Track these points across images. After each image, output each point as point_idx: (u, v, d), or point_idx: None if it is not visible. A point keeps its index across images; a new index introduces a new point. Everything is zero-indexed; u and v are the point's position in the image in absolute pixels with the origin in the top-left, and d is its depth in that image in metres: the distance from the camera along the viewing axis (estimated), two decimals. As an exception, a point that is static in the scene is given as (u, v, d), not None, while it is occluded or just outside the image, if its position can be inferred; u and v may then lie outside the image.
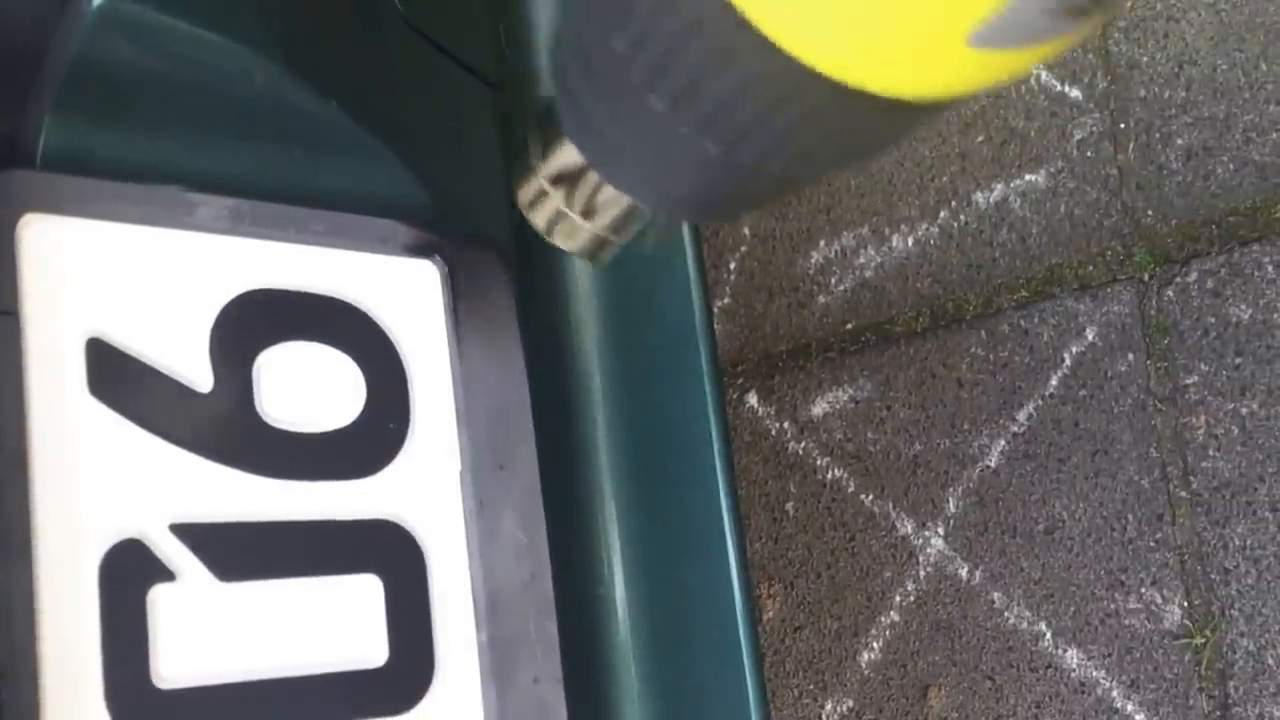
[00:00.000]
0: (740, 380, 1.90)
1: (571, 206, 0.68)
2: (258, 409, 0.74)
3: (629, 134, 0.57)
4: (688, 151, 0.54)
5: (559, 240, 0.71)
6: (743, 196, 0.61)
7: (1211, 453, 1.43)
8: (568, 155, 0.66)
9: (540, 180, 0.69)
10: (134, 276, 0.72)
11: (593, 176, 0.66)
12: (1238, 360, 1.42)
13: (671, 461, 0.94)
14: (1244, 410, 1.41)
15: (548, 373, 0.91)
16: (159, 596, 0.67)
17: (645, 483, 0.95)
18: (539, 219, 0.71)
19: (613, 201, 0.67)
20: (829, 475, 1.78)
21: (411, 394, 0.80)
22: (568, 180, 0.67)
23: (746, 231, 1.91)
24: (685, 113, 0.52)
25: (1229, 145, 1.44)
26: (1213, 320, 1.44)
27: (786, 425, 1.84)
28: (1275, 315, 1.39)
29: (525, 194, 0.70)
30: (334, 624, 0.73)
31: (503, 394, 0.83)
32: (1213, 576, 1.43)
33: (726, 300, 1.93)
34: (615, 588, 0.94)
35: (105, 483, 0.67)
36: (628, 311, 0.98)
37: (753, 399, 1.89)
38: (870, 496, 1.73)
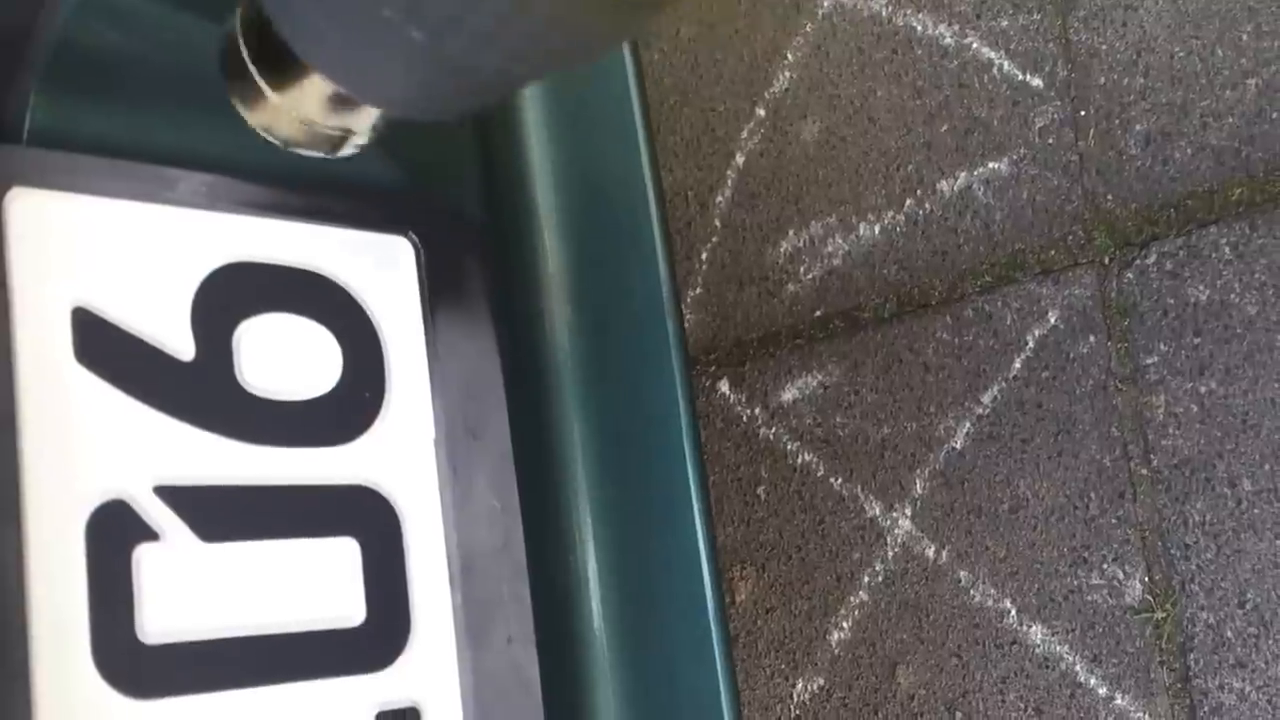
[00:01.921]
0: (712, 368, 1.93)
1: (291, 103, 0.65)
2: (238, 377, 0.76)
3: (334, 20, 0.53)
4: (394, 39, 0.50)
5: (282, 137, 0.68)
6: (459, 93, 0.57)
7: (1171, 431, 1.47)
8: (279, 46, 0.62)
9: (255, 78, 0.66)
10: (118, 249, 0.74)
11: (302, 66, 0.62)
12: (1196, 340, 1.46)
13: (640, 432, 0.97)
14: (1202, 389, 1.45)
15: (520, 346, 0.94)
16: (143, 555, 0.69)
17: (615, 453, 0.97)
18: (259, 118, 0.68)
19: (322, 91, 0.64)
20: (799, 460, 1.81)
21: (387, 364, 0.82)
22: (283, 73, 0.64)
23: (717, 223, 1.94)
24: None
25: (1186, 130, 1.48)
26: (1172, 301, 1.48)
27: (757, 411, 1.87)
28: (1232, 296, 1.43)
29: (240, 93, 0.67)
30: (313, 584, 0.76)
31: (475, 365, 0.86)
32: (1173, 552, 1.46)
33: (698, 290, 1.96)
34: (586, 555, 0.96)
35: (91, 446, 0.70)
36: (598, 287, 1.00)
37: (724, 386, 1.91)
38: (839, 480, 1.76)
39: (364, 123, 0.67)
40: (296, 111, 0.66)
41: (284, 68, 0.64)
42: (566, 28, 0.48)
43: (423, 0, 0.47)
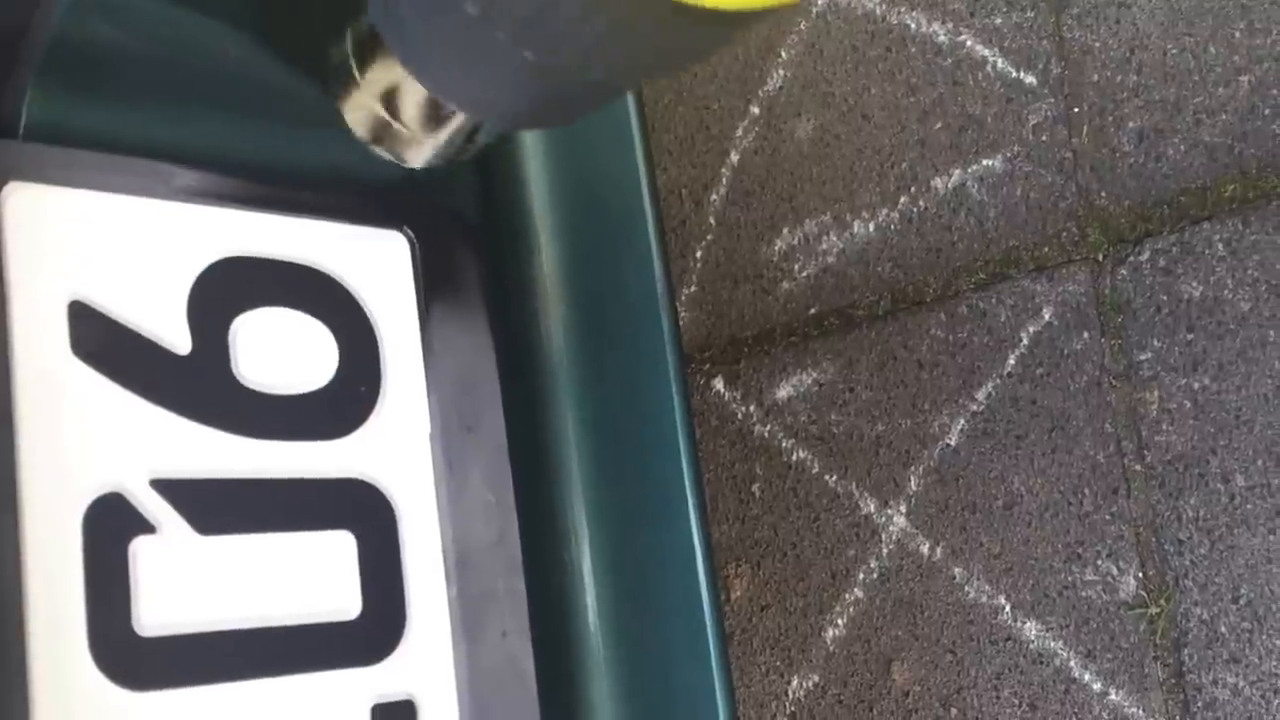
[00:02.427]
0: (707, 366, 1.93)
1: (397, 117, 0.67)
2: (234, 371, 0.76)
3: (445, 41, 0.56)
4: (503, 58, 0.53)
5: (387, 151, 0.71)
6: (561, 103, 0.60)
7: (1165, 427, 1.47)
8: (389, 65, 0.65)
9: (364, 93, 0.68)
10: (114, 243, 0.74)
11: (416, 86, 0.64)
12: (1189, 336, 1.46)
13: (635, 428, 0.97)
14: (1196, 385, 1.45)
15: (515, 341, 0.94)
16: (140, 548, 0.70)
17: (610, 449, 0.98)
18: (366, 132, 0.70)
19: (435, 110, 0.66)
20: (794, 457, 1.81)
21: (382, 359, 0.83)
22: (391, 91, 0.66)
23: (712, 220, 1.94)
24: (500, 18, 0.50)
25: (1180, 127, 1.48)
26: (1165, 298, 1.48)
27: (752, 409, 1.87)
28: (1225, 292, 1.44)
29: (351, 108, 0.70)
30: (308, 578, 0.76)
31: (470, 359, 0.86)
32: (1167, 548, 1.47)
33: (693, 288, 1.96)
34: (581, 550, 0.96)
35: (88, 439, 0.70)
36: (593, 284, 1.01)
37: (719, 384, 1.92)
38: (834, 477, 1.76)
39: (461, 138, 0.70)
40: (412, 134, 0.69)
41: (397, 91, 0.68)
42: (668, 42, 0.50)
43: (532, 21, 0.49)
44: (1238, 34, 1.44)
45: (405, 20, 0.59)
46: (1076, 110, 1.56)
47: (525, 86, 0.56)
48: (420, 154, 0.71)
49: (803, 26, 1.84)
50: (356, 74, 0.68)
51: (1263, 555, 1.39)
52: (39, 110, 0.74)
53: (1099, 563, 1.51)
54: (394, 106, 0.68)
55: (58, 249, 0.72)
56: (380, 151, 0.72)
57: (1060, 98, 1.58)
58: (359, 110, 0.70)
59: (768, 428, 1.85)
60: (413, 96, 0.67)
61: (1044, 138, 1.59)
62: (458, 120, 0.68)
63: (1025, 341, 1.59)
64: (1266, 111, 1.42)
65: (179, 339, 0.75)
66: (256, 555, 0.74)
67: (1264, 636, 1.39)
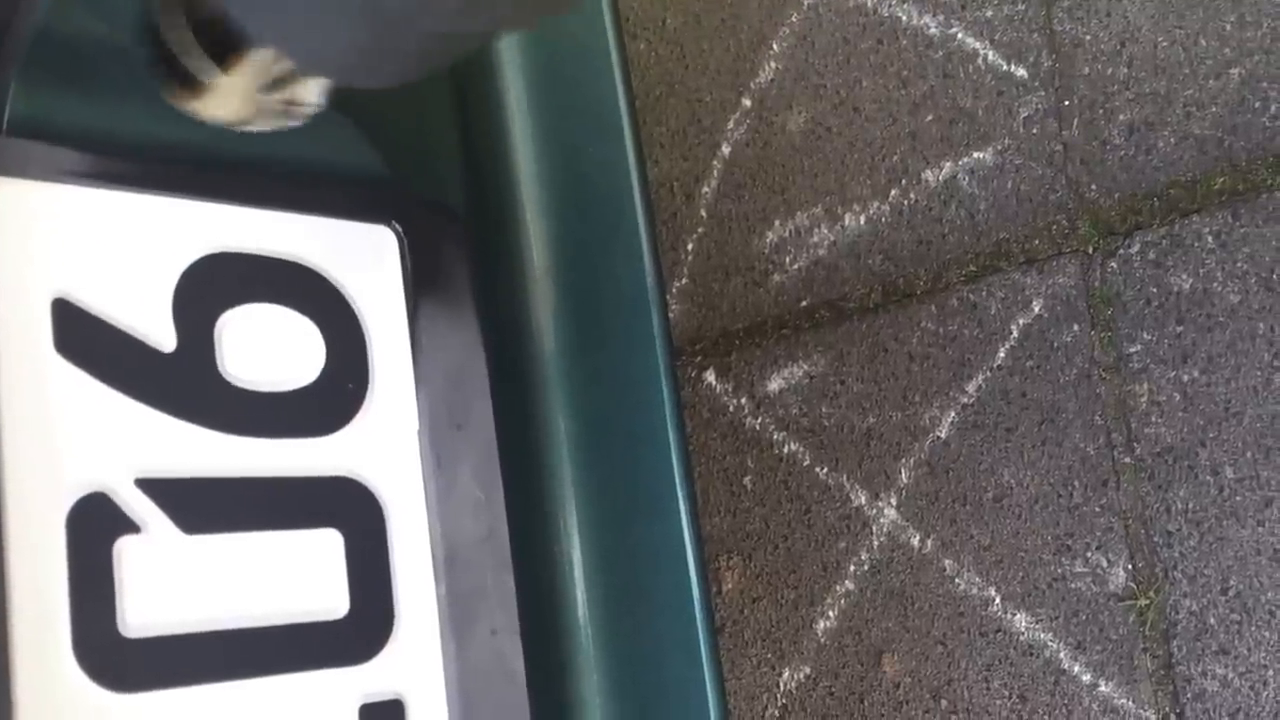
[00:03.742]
0: (699, 358, 1.93)
1: (237, 83, 0.63)
2: (220, 368, 0.76)
3: None
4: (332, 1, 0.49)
5: (212, 112, 0.66)
6: (396, 55, 0.56)
7: (1154, 419, 1.47)
8: (207, 11, 0.60)
9: (180, 41, 0.63)
10: (99, 240, 0.74)
11: (243, 39, 0.60)
12: (1179, 329, 1.46)
13: (625, 423, 0.97)
14: (1185, 377, 1.45)
15: (505, 337, 0.94)
16: (125, 548, 0.69)
17: (600, 444, 0.97)
18: (205, 106, 0.66)
19: (266, 64, 0.62)
20: (785, 449, 1.81)
21: (370, 355, 0.82)
22: (211, 40, 0.62)
23: (703, 213, 1.94)
24: None
25: (1170, 120, 1.48)
26: (1155, 290, 1.48)
27: (744, 401, 1.87)
28: (1215, 284, 1.44)
29: (181, 86, 0.65)
30: (296, 576, 0.76)
31: (459, 356, 0.86)
32: (1156, 540, 1.47)
33: (684, 281, 1.96)
34: (571, 545, 0.96)
35: (72, 438, 0.69)
36: (583, 279, 1.00)
37: (711, 376, 1.91)
38: (825, 469, 1.76)
39: (311, 92, 0.66)
40: (243, 90, 0.65)
41: (222, 46, 0.63)
42: None
43: None
44: (1228, 27, 1.44)
45: None
46: (1067, 103, 1.56)
47: (352, 32, 0.52)
48: (236, 108, 0.67)
49: (794, 19, 1.84)
50: (173, 24, 0.64)
51: (1252, 547, 1.40)
52: (22, 106, 0.73)
53: (1089, 555, 1.52)
54: (214, 58, 0.64)
55: (42, 245, 0.72)
56: (199, 111, 0.68)
57: (1051, 90, 1.57)
58: (188, 79, 0.66)
59: (759, 420, 1.84)
60: (246, 59, 0.62)
61: (1035, 130, 1.59)
62: (279, 67, 0.63)
63: (1015, 334, 1.59)
64: (1256, 104, 1.42)
65: (164, 336, 0.74)
66: (243, 554, 0.73)
67: (1253, 628, 1.39)
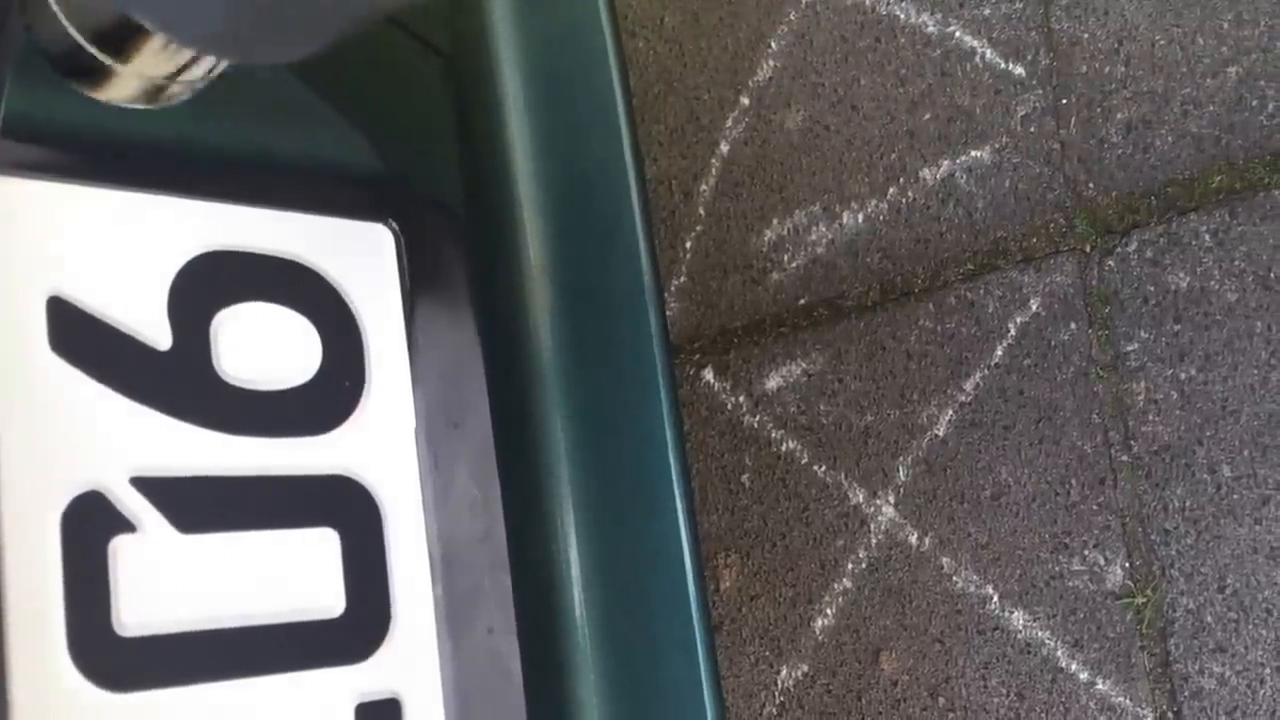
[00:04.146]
0: (697, 356, 1.93)
1: (135, 68, 0.61)
2: (216, 367, 0.76)
3: None
4: None
5: (109, 95, 0.63)
6: (282, 28, 0.53)
7: (1151, 418, 1.47)
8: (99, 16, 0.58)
9: (96, 57, 0.61)
10: (94, 238, 0.73)
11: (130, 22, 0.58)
12: (1176, 327, 1.46)
13: (623, 421, 0.97)
14: (1182, 375, 1.45)
15: (502, 335, 0.94)
16: (120, 547, 0.69)
17: (597, 442, 0.97)
18: (108, 92, 0.64)
19: (167, 48, 0.60)
20: (783, 447, 1.81)
21: (366, 354, 0.82)
22: (99, 30, 0.60)
23: (702, 211, 1.93)
24: None
25: (1167, 118, 1.48)
26: (1152, 289, 1.48)
27: (742, 399, 1.87)
28: (1212, 283, 1.43)
29: (82, 77, 0.63)
30: (292, 576, 0.76)
31: (456, 354, 0.86)
32: (1153, 538, 1.47)
33: (683, 279, 1.96)
34: (568, 544, 0.96)
35: (67, 437, 0.69)
36: (580, 277, 1.00)
37: (709, 374, 1.91)
38: (823, 467, 1.76)
39: (201, 69, 0.65)
40: (141, 74, 0.63)
41: (114, 35, 0.61)
42: None
43: None
44: (1225, 25, 1.44)
45: None
46: (1065, 101, 1.56)
47: (231, 6, 0.50)
48: (137, 94, 0.66)
49: (792, 17, 1.83)
50: (81, 39, 0.62)
51: (1249, 545, 1.40)
52: (18, 104, 0.73)
53: (1086, 553, 1.52)
54: (100, 38, 0.62)
55: (37, 244, 0.72)
56: (92, 90, 0.66)
57: (1049, 89, 1.57)
58: (89, 70, 0.64)
59: (757, 418, 1.84)
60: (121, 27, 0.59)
61: (1032, 129, 1.59)
62: (157, 46, 0.61)
63: (1013, 332, 1.59)
64: (1254, 103, 1.41)
65: (160, 335, 0.74)
66: (239, 553, 0.73)
67: (1250, 626, 1.39)
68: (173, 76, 0.64)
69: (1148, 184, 1.49)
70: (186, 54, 0.62)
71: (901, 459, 1.68)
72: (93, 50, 0.62)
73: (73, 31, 0.62)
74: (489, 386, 0.87)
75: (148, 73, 0.63)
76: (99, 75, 0.63)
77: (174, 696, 0.69)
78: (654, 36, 2.00)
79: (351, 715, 0.76)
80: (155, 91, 0.65)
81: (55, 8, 0.63)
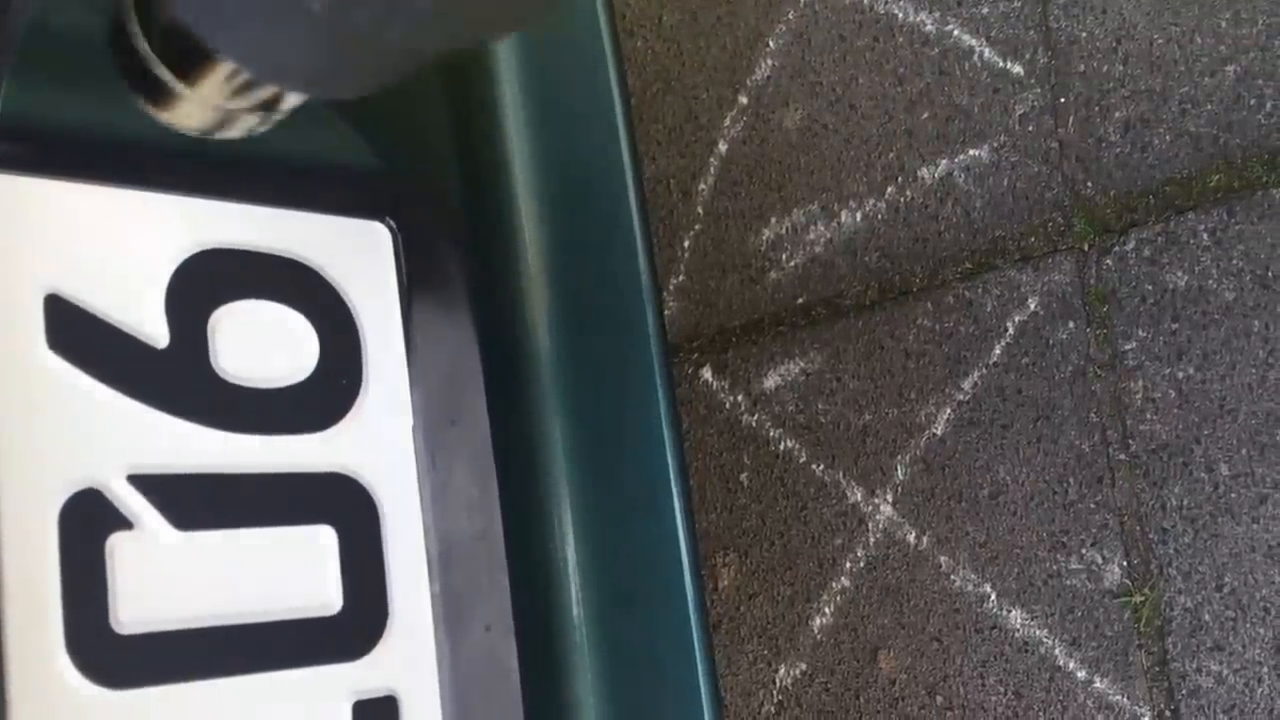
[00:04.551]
0: (695, 355, 1.93)
1: (202, 93, 0.61)
2: (213, 364, 0.76)
3: None
4: (289, 9, 0.46)
5: (175, 119, 0.63)
6: (361, 67, 0.53)
7: (1149, 416, 1.47)
8: (171, 25, 0.57)
9: (163, 75, 0.61)
10: (91, 235, 0.73)
11: (204, 47, 0.57)
12: (1174, 326, 1.46)
13: (620, 420, 0.97)
14: (1180, 374, 1.45)
15: (499, 333, 0.94)
16: (117, 544, 0.69)
17: (595, 441, 0.97)
18: (172, 114, 0.64)
19: (228, 73, 0.59)
20: (781, 446, 1.81)
21: (364, 351, 0.82)
22: (188, 64, 0.60)
23: (700, 210, 1.93)
24: None
25: (1165, 117, 1.48)
26: (1150, 288, 1.48)
27: (740, 398, 1.87)
28: (1210, 282, 1.44)
29: (148, 93, 0.62)
30: (289, 573, 0.76)
31: (453, 352, 0.86)
32: (1151, 536, 1.47)
33: (681, 278, 1.96)
34: (566, 542, 0.96)
35: (64, 434, 0.69)
36: (578, 275, 1.00)
37: (707, 373, 1.91)
38: (821, 466, 1.76)
39: (280, 100, 0.65)
40: (208, 100, 0.63)
41: (188, 58, 0.61)
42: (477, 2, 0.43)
43: None
44: (1223, 24, 1.44)
45: None
46: (1063, 100, 1.56)
47: (314, 44, 0.49)
48: (205, 122, 0.65)
49: (791, 16, 1.83)
50: (148, 55, 0.62)
51: (1246, 544, 1.40)
52: (14, 101, 0.73)
53: (1084, 551, 1.52)
54: (179, 67, 0.61)
55: (34, 241, 0.72)
56: (163, 116, 0.66)
57: (1047, 88, 1.57)
58: (154, 87, 0.63)
59: (755, 417, 1.84)
60: (209, 68, 0.60)
61: (1030, 128, 1.59)
62: (243, 81, 0.60)
63: (1011, 331, 1.59)
64: (1252, 101, 1.42)
65: (157, 332, 0.74)
66: (236, 551, 0.73)
67: (1247, 625, 1.39)
68: (244, 106, 0.64)
69: (1146, 183, 1.49)
70: (258, 84, 0.62)
71: (900, 458, 1.68)
72: (159, 71, 0.62)
73: (142, 46, 0.62)
74: (486, 384, 0.87)
75: (215, 100, 0.63)
76: (164, 96, 0.63)
77: (171, 693, 0.70)
78: (652, 35, 2.00)
79: (349, 712, 0.76)
80: (222, 122, 0.65)
81: (131, 25, 0.63)
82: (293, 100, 0.64)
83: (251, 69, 0.58)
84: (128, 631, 0.69)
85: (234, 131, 0.66)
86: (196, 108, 0.64)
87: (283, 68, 0.56)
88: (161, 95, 0.63)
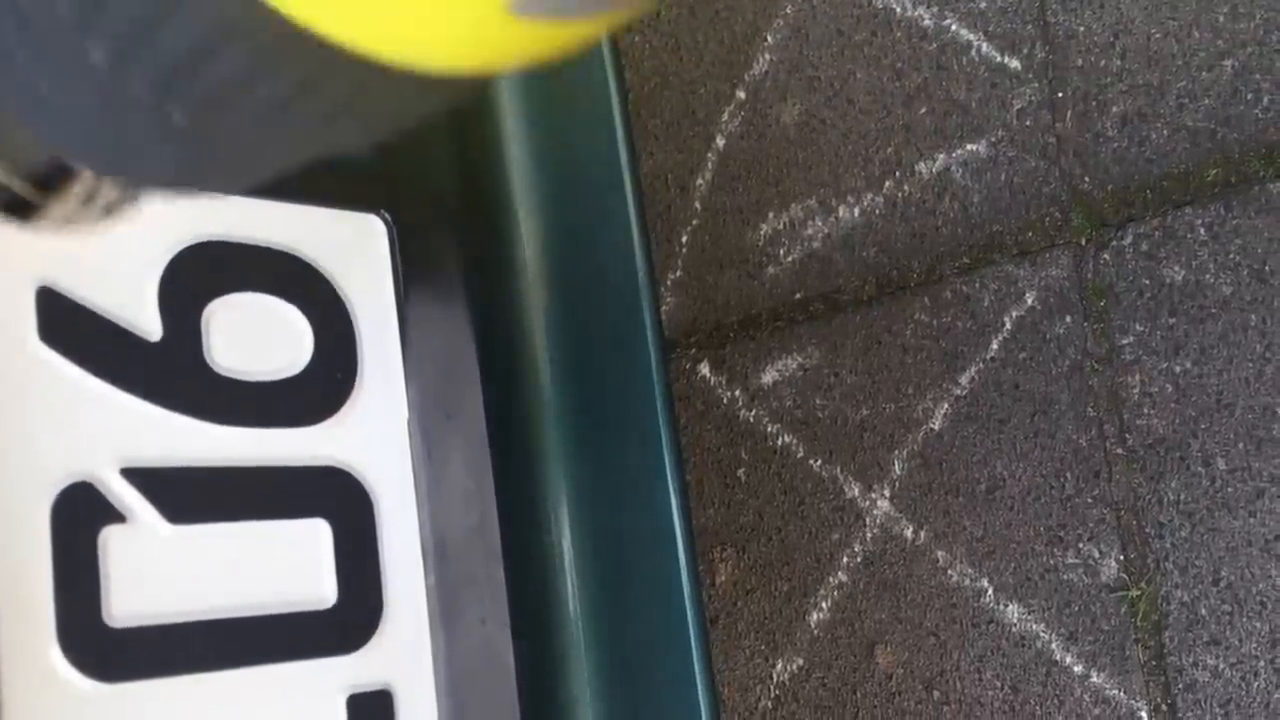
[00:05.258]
0: (693, 351, 1.93)
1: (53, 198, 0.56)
2: (207, 357, 0.75)
3: (68, 92, 0.40)
4: (146, 118, 0.39)
5: (48, 229, 0.57)
6: (234, 171, 0.46)
7: (1146, 411, 1.47)
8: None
9: (29, 197, 0.56)
10: (83, 228, 0.73)
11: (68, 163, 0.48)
12: (1171, 320, 1.46)
13: (616, 414, 0.97)
14: (1177, 369, 1.45)
15: (495, 326, 0.94)
16: (110, 537, 0.69)
17: (591, 435, 0.97)
18: (19, 221, 0.58)
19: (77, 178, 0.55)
20: (779, 441, 1.81)
21: (359, 344, 0.82)
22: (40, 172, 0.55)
23: (697, 205, 1.93)
24: (134, 68, 0.37)
25: (1163, 112, 1.48)
26: (1147, 282, 1.48)
27: (738, 394, 1.87)
28: (1207, 276, 1.43)
29: (22, 216, 0.57)
30: (283, 566, 0.75)
31: (449, 345, 0.85)
32: (1148, 531, 1.47)
33: (679, 273, 1.96)
34: (562, 536, 0.96)
35: (56, 427, 0.69)
36: (574, 269, 1.00)
37: (705, 369, 1.91)
38: (819, 461, 1.76)
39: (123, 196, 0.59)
40: (73, 206, 0.56)
41: (51, 174, 0.55)
42: (368, 108, 0.38)
43: (176, 74, 0.36)
44: (1221, 18, 1.44)
45: (6, 48, 0.41)
46: (1061, 95, 1.56)
47: (176, 153, 0.42)
48: (64, 223, 0.60)
49: (788, 11, 1.83)
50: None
51: (1243, 538, 1.40)
52: (7, 93, 0.72)
53: (1081, 546, 1.52)
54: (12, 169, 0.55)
55: (25, 233, 0.71)
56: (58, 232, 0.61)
57: (1044, 82, 1.57)
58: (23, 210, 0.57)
59: (753, 412, 1.84)
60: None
61: (1028, 122, 1.59)
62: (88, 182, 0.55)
63: (1008, 326, 1.59)
64: (1249, 96, 1.41)
65: (150, 325, 0.74)
66: (230, 544, 0.73)
67: (1244, 619, 1.39)
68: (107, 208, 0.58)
69: (1143, 177, 1.49)
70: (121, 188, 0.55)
71: (897, 453, 1.68)
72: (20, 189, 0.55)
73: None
74: (482, 377, 0.87)
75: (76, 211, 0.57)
76: (26, 212, 0.56)
77: (164, 687, 0.69)
78: (649, 30, 2.00)
79: (343, 706, 0.76)
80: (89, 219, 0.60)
81: None
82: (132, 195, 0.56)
83: (99, 171, 0.51)
84: (120, 624, 0.69)
85: (88, 229, 0.59)
86: (61, 215, 0.56)
87: (136, 173, 0.46)
88: (24, 209, 0.56)
